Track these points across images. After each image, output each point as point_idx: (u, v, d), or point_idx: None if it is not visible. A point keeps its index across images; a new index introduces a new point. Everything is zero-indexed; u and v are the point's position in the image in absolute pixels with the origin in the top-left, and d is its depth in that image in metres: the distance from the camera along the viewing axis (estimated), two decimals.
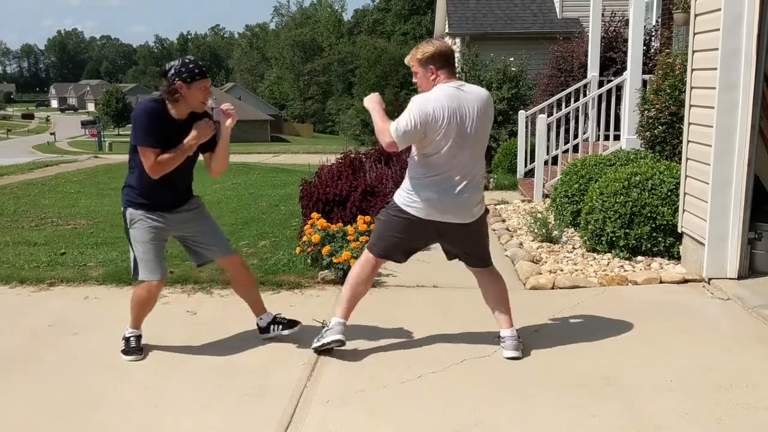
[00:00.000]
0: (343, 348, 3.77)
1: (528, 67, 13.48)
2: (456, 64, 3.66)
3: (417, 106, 3.47)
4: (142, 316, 3.85)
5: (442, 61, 3.56)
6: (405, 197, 3.62)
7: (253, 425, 3.04)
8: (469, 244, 3.77)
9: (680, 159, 5.43)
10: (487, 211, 3.79)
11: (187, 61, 3.58)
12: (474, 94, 3.57)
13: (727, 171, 4.72)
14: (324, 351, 3.77)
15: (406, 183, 3.66)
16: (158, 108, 3.59)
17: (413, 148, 3.62)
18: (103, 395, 3.34)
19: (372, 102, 3.69)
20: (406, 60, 3.66)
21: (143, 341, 3.86)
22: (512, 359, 3.66)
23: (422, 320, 4.35)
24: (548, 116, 8.89)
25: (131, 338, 3.84)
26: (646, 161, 6.21)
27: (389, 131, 3.48)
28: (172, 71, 3.53)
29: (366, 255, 3.79)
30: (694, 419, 3.00)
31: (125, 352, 3.80)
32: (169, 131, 3.57)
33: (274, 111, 69.67)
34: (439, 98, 3.49)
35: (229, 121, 3.70)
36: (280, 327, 3.98)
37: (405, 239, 3.70)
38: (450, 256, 3.89)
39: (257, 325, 4.02)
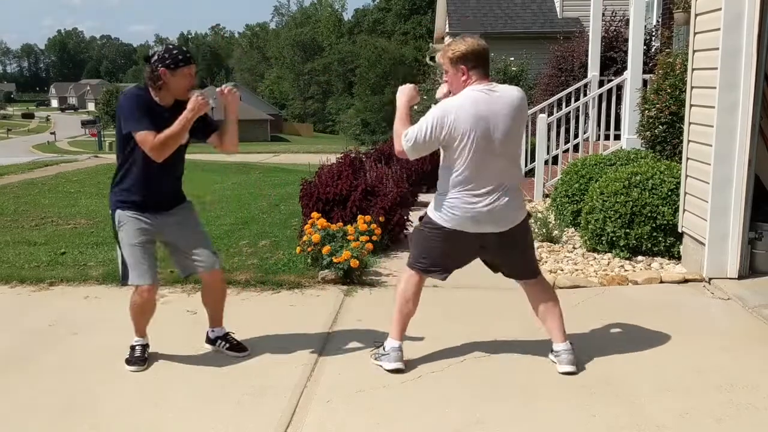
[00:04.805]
0: (343, 348, 3.78)
1: (528, 66, 13.48)
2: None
3: (434, 116, 3.25)
4: (143, 322, 3.71)
5: (475, 61, 3.29)
6: (437, 211, 3.39)
7: (253, 425, 3.04)
8: (513, 254, 3.52)
9: (681, 159, 5.43)
10: (529, 215, 3.52)
11: (171, 47, 3.49)
12: (505, 97, 3.29)
13: (727, 171, 4.72)
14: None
15: (437, 196, 3.42)
16: (144, 95, 3.49)
17: (441, 159, 3.41)
18: (103, 395, 3.34)
19: (402, 96, 3.45)
20: (437, 57, 3.43)
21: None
22: (567, 374, 3.46)
23: (423, 320, 4.33)
24: (548, 116, 8.88)
25: (136, 347, 3.71)
26: (647, 161, 6.21)
27: (401, 138, 3.32)
28: (156, 57, 3.45)
29: (409, 272, 3.56)
30: (694, 419, 3.00)
31: (127, 361, 3.66)
32: (157, 118, 3.44)
33: (274, 110, 69.62)
34: (463, 105, 3.24)
35: (231, 98, 3.60)
36: (227, 345, 3.85)
37: (446, 254, 3.46)
38: (495, 269, 3.64)
39: (207, 334, 3.91)
